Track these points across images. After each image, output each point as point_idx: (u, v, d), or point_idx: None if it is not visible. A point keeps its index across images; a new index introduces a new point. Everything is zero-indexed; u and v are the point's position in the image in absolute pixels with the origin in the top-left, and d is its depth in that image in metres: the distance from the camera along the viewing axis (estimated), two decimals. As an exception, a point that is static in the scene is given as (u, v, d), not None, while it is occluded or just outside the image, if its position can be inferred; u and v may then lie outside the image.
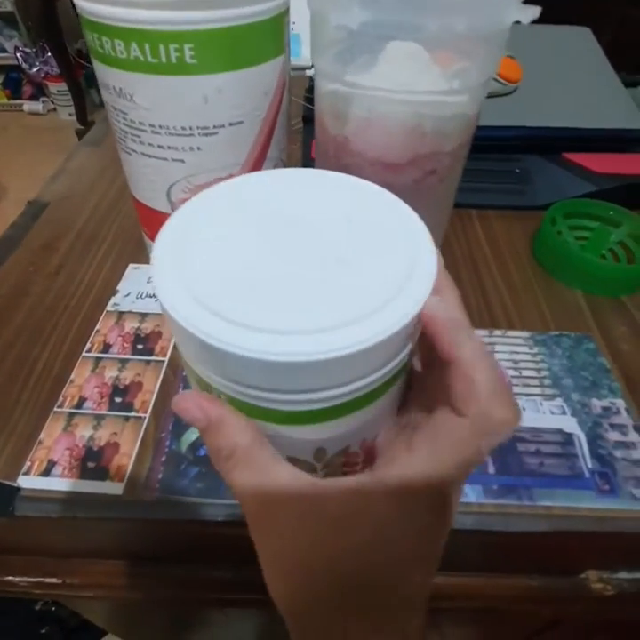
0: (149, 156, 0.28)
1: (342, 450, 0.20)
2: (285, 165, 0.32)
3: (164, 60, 0.23)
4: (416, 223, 0.19)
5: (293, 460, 0.19)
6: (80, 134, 2.06)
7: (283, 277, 0.16)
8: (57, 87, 2.14)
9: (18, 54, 2.10)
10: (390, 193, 0.20)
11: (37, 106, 2.26)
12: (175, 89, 0.24)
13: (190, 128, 0.26)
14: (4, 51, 2.13)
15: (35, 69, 2.12)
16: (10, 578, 0.32)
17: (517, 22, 0.20)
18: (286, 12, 0.26)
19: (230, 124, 0.26)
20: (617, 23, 1.33)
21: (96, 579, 0.31)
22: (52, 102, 2.23)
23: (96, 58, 0.25)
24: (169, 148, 0.27)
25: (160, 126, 0.26)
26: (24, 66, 2.11)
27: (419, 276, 0.16)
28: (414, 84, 0.21)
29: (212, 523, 0.25)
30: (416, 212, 0.25)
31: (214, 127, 0.26)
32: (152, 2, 0.22)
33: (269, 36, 0.25)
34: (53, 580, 0.32)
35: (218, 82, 0.25)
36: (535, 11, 0.20)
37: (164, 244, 0.18)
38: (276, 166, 0.31)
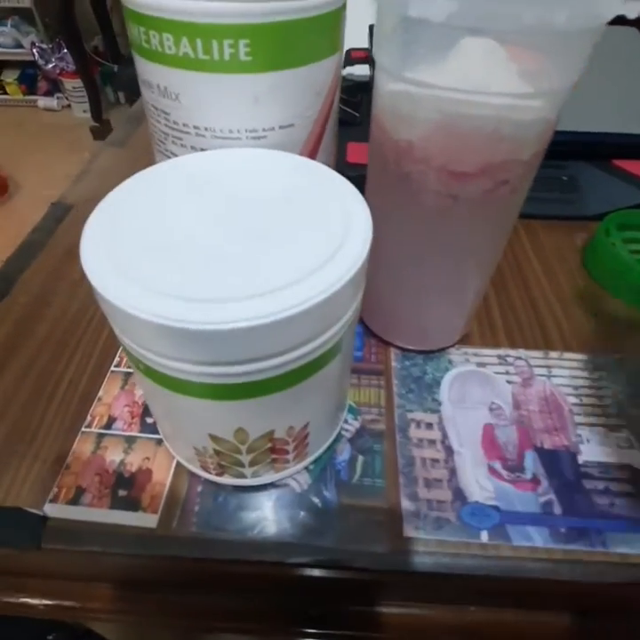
0: (189, 160, 0.26)
1: (266, 434, 0.20)
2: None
3: (216, 56, 0.21)
4: (359, 207, 0.19)
5: (215, 439, 0.20)
6: (94, 131, 2.06)
7: (208, 250, 0.17)
8: (72, 83, 2.13)
9: (34, 50, 2.09)
10: (344, 179, 0.21)
11: (52, 102, 2.25)
12: (225, 88, 0.22)
13: (238, 131, 0.24)
14: (21, 46, 2.12)
15: (50, 66, 2.11)
16: (26, 600, 0.31)
17: (621, 17, 0.18)
18: (344, 7, 0.24)
19: (280, 127, 0.24)
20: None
21: (117, 605, 0.29)
22: (67, 99, 2.23)
23: (140, 54, 0.23)
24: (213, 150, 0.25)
25: (206, 129, 0.24)
26: (40, 62, 2.10)
27: (341, 258, 0.17)
28: (492, 84, 0.19)
29: (250, 562, 0.23)
30: (484, 225, 0.24)
31: (263, 130, 0.24)
32: (209, -8, 0.20)
33: (327, 31, 0.23)
34: (71, 604, 0.30)
35: (271, 81, 0.23)
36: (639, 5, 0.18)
37: (98, 217, 0.19)
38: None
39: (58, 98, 2.25)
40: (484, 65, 0.19)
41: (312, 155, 0.27)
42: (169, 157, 0.26)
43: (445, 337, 0.30)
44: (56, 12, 1.77)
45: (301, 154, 0.26)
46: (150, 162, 0.47)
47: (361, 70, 0.52)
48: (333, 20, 0.23)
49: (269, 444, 0.21)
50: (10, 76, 2.23)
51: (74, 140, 2.07)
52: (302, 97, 0.24)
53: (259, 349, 0.16)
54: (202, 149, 0.25)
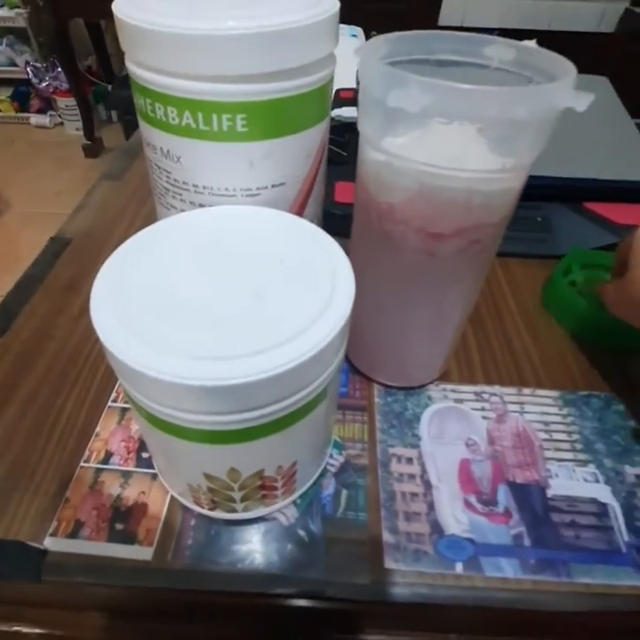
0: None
1: (257, 472, 0.22)
2: (320, 220, 0.32)
3: (215, 128, 0.23)
4: (343, 266, 0.21)
5: (209, 477, 0.22)
6: (86, 149, 2.08)
7: (209, 309, 0.19)
8: (65, 102, 2.16)
9: (28, 69, 2.12)
10: (331, 239, 0.23)
11: (44, 119, 2.27)
12: (223, 154, 0.25)
13: (234, 189, 0.26)
14: (15, 65, 2.15)
15: (44, 84, 2.13)
16: (20, 629, 0.31)
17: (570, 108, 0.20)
18: (331, 80, 0.26)
19: (273, 186, 0.27)
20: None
21: (109, 634, 0.30)
22: (60, 116, 2.25)
23: (145, 120, 0.25)
24: (210, 205, 0.27)
25: (204, 187, 0.26)
26: (34, 80, 2.13)
27: (330, 315, 0.19)
28: (465, 160, 0.22)
29: (241, 594, 0.24)
30: (459, 275, 0.26)
31: (257, 189, 0.26)
32: (211, 75, 0.22)
33: (316, 103, 0.26)
34: (64, 633, 0.31)
35: (265, 148, 0.25)
36: (589, 97, 0.20)
37: (107, 273, 0.21)
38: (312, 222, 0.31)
39: (50, 115, 2.27)
40: (457, 141, 0.21)
41: (302, 208, 0.29)
42: (168, 209, 0.28)
43: (426, 374, 0.32)
44: (51, 31, 1.79)
45: (292, 208, 0.28)
46: (145, 196, 0.49)
47: (349, 111, 0.55)
48: (322, 93, 0.26)
49: (260, 482, 0.23)
50: (3, 94, 2.25)
51: (65, 157, 2.08)
52: (293, 159, 0.26)
53: (253, 401, 0.18)
54: (200, 204, 0.27)
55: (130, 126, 1.88)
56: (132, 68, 0.24)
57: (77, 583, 0.24)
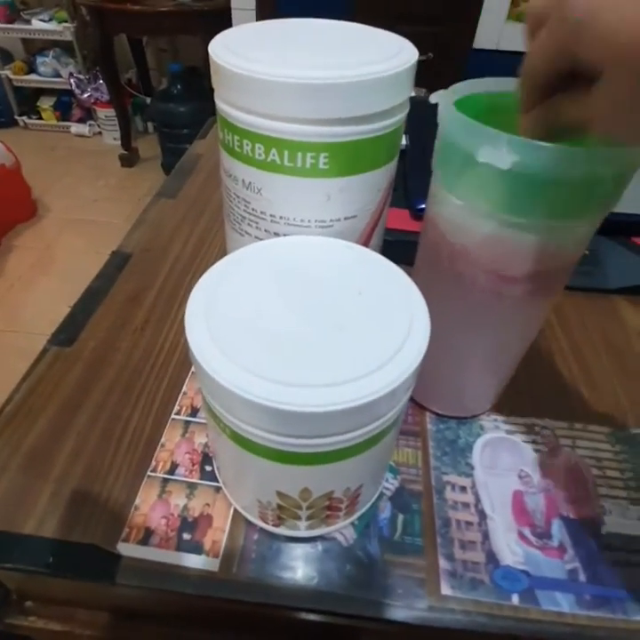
0: (262, 240, 0.29)
1: (327, 493, 0.23)
2: (381, 249, 0.34)
3: (299, 164, 0.25)
4: (419, 303, 0.22)
5: (281, 495, 0.23)
6: (123, 159, 2.14)
7: (295, 336, 0.20)
8: (105, 112, 2.23)
9: (71, 80, 2.20)
10: (403, 272, 0.24)
11: (84, 128, 2.35)
12: (303, 188, 0.26)
13: (309, 221, 0.27)
14: (59, 76, 2.23)
15: (86, 95, 2.21)
16: (71, 629, 0.33)
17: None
18: (404, 124, 0.28)
19: (345, 218, 0.28)
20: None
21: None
22: (99, 126, 2.32)
23: (229, 153, 0.27)
24: (284, 235, 0.28)
25: (281, 217, 0.27)
26: (76, 91, 2.21)
27: (408, 351, 0.20)
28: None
29: (302, 609, 0.25)
30: (523, 315, 0.27)
31: (331, 221, 0.28)
32: (299, 118, 0.24)
33: (390, 143, 0.27)
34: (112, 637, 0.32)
35: (342, 184, 0.26)
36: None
37: (197, 298, 0.22)
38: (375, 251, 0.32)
39: (90, 125, 2.34)
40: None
41: (368, 238, 0.30)
42: (242, 236, 0.30)
43: (479, 405, 0.33)
44: (95, 46, 1.87)
45: (360, 238, 0.30)
46: (199, 215, 0.51)
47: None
48: (396, 134, 0.27)
49: (327, 502, 0.24)
50: (46, 103, 2.34)
51: (102, 165, 2.15)
52: (366, 194, 0.28)
53: (334, 428, 0.19)
54: (274, 233, 0.28)
55: (165, 138, 1.94)
56: (223, 106, 0.26)
57: (144, 588, 0.25)
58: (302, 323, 0.21)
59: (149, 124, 2.37)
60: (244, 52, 0.24)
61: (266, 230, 0.28)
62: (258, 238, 0.29)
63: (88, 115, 2.36)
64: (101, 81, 2.09)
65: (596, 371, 0.37)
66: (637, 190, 0.50)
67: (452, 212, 0.25)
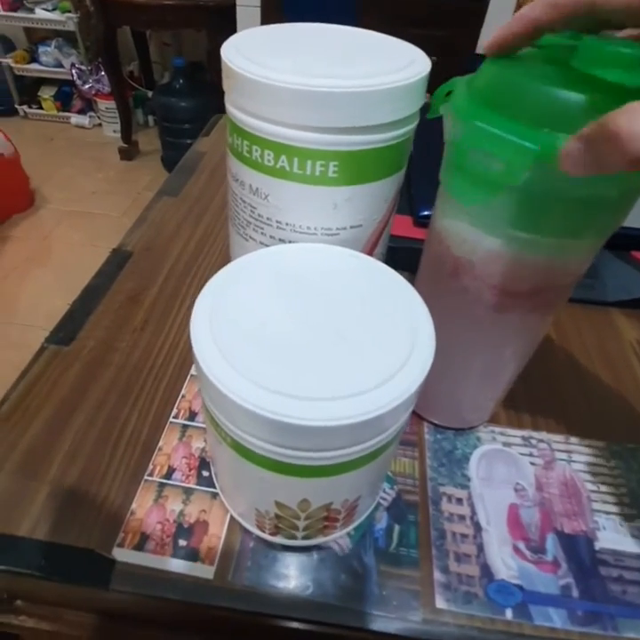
0: (267, 246, 0.29)
1: (325, 505, 0.23)
2: (385, 257, 0.34)
3: (308, 172, 0.25)
4: (423, 317, 0.22)
5: (279, 505, 0.23)
6: (122, 151, 2.13)
7: (300, 347, 0.20)
8: (106, 104, 2.22)
9: (73, 71, 2.19)
10: (408, 284, 0.24)
11: (84, 120, 2.34)
12: (311, 195, 0.26)
13: (315, 228, 0.27)
14: (61, 66, 2.22)
15: (87, 86, 2.20)
16: (61, 629, 0.33)
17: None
18: (413, 133, 0.28)
19: (351, 227, 0.28)
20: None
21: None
22: (99, 118, 2.31)
23: (238, 158, 0.27)
24: (290, 242, 0.28)
25: (287, 224, 0.27)
26: (78, 82, 2.19)
27: (412, 366, 0.20)
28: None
29: (296, 619, 0.25)
30: (526, 327, 0.27)
31: (337, 229, 0.28)
32: (311, 126, 0.23)
33: (400, 153, 0.27)
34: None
35: (350, 192, 0.26)
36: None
37: (203, 304, 0.22)
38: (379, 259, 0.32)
39: (90, 116, 2.33)
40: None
41: (373, 247, 0.30)
42: (246, 240, 0.30)
43: (477, 417, 0.33)
44: (98, 37, 1.86)
45: (365, 247, 0.30)
46: (201, 214, 0.51)
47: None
48: (406, 144, 0.27)
49: (325, 513, 0.24)
50: (47, 93, 2.32)
51: (101, 158, 2.14)
52: (373, 204, 0.28)
53: (336, 442, 0.19)
54: (280, 239, 0.28)
55: (166, 132, 1.93)
56: (234, 111, 0.26)
57: (142, 595, 0.25)
58: (307, 332, 0.21)
59: (150, 118, 2.36)
60: (258, 58, 0.24)
61: (271, 236, 0.28)
62: (263, 244, 0.29)
63: (89, 106, 2.35)
64: (103, 72, 2.08)
65: (592, 384, 0.37)
66: (637, 204, 0.51)
67: (458, 225, 0.24)
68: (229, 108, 0.26)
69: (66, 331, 0.37)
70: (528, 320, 0.26)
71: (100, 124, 2.34)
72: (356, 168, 0.25)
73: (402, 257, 0.42)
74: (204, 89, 1.85)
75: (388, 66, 0.25)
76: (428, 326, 0.22)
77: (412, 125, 0.27)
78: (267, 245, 0.29)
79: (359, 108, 0.23)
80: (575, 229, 0.22)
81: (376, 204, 0.28)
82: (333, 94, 0.23)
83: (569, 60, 0.18)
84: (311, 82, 0.23)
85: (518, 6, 1.35)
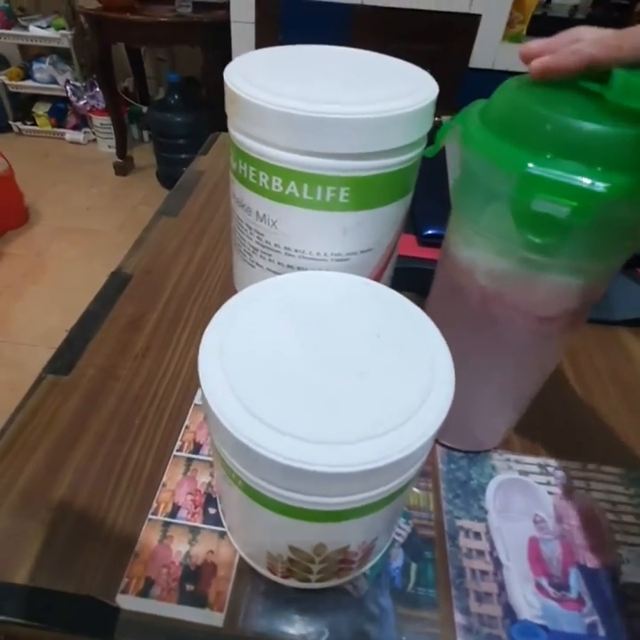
0: (275, 273, 0.28)
1: (342, 548, 0.22)
2: (393, 281, 0.33)
3: (318, 198, 0.24)
4: (441, 349, 0.21)
5: (294, 550, 0.22)
6: (117, 167, 2.13)
7: (313, 384, 0.19)
8: (100, 120, 2.22)
9: (68, 87, 2.19)
10: (422, 313, 0.23)
11: (79, 136, 2.33)
12: (321, 222, 0.25)
13: (325, 254, 0.27)
14: (56, 82, 2.22)
15: (82, 102, 2.20)
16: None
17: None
18: (420, 159, 0.27)
19: (361, 252, 0.27)
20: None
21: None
22: (94, 134, 2.31)
23: (243, 184, 0.26)
24: (299, 268, 0.27)
25: (296, 250, 0.26)
26: (72, 98, 2.20)
27: (432, 404, 0.19)
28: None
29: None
30: (550, 349, 0.26)
31: (347, 254, 0.27)
32: (320, 152, 0.23)
33: (408, 177, 0.27)
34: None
35: (359, 217, 0.26)
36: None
37: (212, 337, 0.21)
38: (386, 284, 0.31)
39: (85, 132, 2.33)
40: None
41: (383, 270, 0.30)
42: (253, 267, 0.29)
43: (491, 440, 0.32)
44: (93, 54, 1.86)
45: (374, 270, 0.29)
46: (201, 235, 0.50)
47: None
48: (414, 168, 0.27)
49: (342, 556, 0.23)
50: (41, 109, 2.32)
51: (96, 173, 2.13)
52: (382, 228, 0.27)
53: (352, 488, 0.18)
54: (288, 265, 0.27)
55: (161, 147, 1.93)
56: (238, 135, 0.25)
57: (145, 644, 0.24)
58: (321, 368, 0.20)
59: (145, 133, 2.37)
60: (263, 83, 0.24)
61: (280, 263, 0.28)
62: (270, 271, 0.28)
63: (83, 122, 2.34)
64: (98, 89, 2.08)
65: (604, 408, 0.36)
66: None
67: (481, 255, 0.23)
68: (233, 133, 0.26)
69: (64, 360, 0.36)
70: (552, 340, 0.25)
71: (94, 140, 2.33)
72: (367, 193, 0.25)
73: (406, 277, 0.41)
74: (199, 104, 1.85)
75: (397, 90, 0.24)
76: (446, 360, 0.21)
77: (421, 148, 0.26)
78: (275, 272, 0.28)
79: (370, 134, 0.23)
80: (604, 251, 0.21)
81: (386, 227, 0.27)
82: (345, 121, 0.22)
83: (603, 91, 0.17)
84: (321, 108, 0.22)
85: (511, 20, 1.36)
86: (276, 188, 0.24)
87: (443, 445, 0.32)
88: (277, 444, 0.17)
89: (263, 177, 0.25)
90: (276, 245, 0.27)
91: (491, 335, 0.25)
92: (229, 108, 0.25)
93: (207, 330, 0.21)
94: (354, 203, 0.25)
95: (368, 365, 0.20)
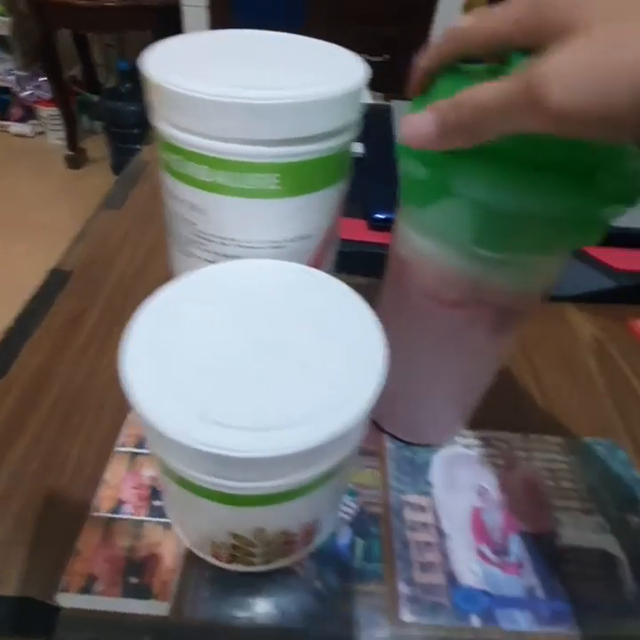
0: (210, 262, 0.28)
1: (283, 531, 0.22)
2: (334, 266, 0.33)
3: (248, 186, 0.24)
4: (375, 334, 0.21)
5: (235, 536, 0.22)
6: (69, 160, 2.05)
7: (245, 373, 0.19)
8: (48, 111, 2.12)
9: (9, 77, 2.08)
10: (363, 301, 0.23)
11: (25, 128, 2.23)
12: (254, 210, 0.25)
13: (260, 242, 0.26)
14: (-4, 72, 2.11)
15: (26, 93, 2.10)
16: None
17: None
18: (354, 140, 0.27)
19: (299, 238, 0.27)
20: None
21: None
22: (42, 126, 2.21)
23: (172, 175, 0.26)
24: (234, 256, 0.27)
25: (231, 239, 0.26)
26: (16, 89, 2.09)
27: (361, 394, 0.19)
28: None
29: (261, 648, 0.24)
30: (486, 343, 0.26)
31: (284, 241, 0.27)
32: (248, 139, 0.22)
33: (342, 162, 0.27)
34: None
35: (294, 204, 0.25)
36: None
37: (138, 328, 0.20)
38: (328, 270, 0.31)
39: (32, 125, 2.22)
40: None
41: (322, 256, 0.30)
42: (189, 257, 0.28)
43: (436, 435, 0.32)
44: (35, 41, 1.78)
45: (313, 257, 0.29)
46: (146, 226, 0.49)
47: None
48: (348, 153, 0.26)
49: (284, 538, 0.23)
50: (-18, 101, 2.20)
51: (46, 167, 2.05)
52: (319, 214, 0.27)
53: (283, 470, 0.18)
54: (224, 255, 0.27)
55: (114, 138, 1.87)
56: (164, 126, 0.24)
57: (90, 641, 0.23)
58: (253, 356, 0.20)
59: (97, 124, 2.28)
60: (185, 70, 0.23)
61: (215, 253, 0.27)
62: (206, 260, 0.28)
63: (29, 114, 2.24)
64: (43, 78, 1.99)
65: (548, 380, 0.38)
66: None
67: (427, 244, 0.23)
68: (158, 123, 0.25)
69: None
70: (496, 334, 0.25)
71: (42, 132, 2.23)
72: (299, 179, 0.25)
73: (356, 261, 0.41)
74: (152, 93, 1.80)
75: (324, 75, 0.24)
76: (379, 348, 0.21)
77: (353, 133, 0.26)
78: (211, 262, 0.28)
79: (295, 120, 0.23)
80: (548, 246, 0.21)
81: (322, 213, 0.27)
82: (266, 106, 0.22)
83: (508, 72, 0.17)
84: (242, 94, 0.22)
85: (468, 3, 1.35)
86: (206, 177, 0.24)
87: (389, 434, 0.33)
88: (201, 432, 0.17)
89: (191, 166, 0.24)
90: (210, 235, 0.26)
91: (429, 326, 0.25)
92: (151, 98, 0.25)
93: (133, 319, 0.21)
94: (285, 189, 0.25)
95: (301, 353, 0.20)
